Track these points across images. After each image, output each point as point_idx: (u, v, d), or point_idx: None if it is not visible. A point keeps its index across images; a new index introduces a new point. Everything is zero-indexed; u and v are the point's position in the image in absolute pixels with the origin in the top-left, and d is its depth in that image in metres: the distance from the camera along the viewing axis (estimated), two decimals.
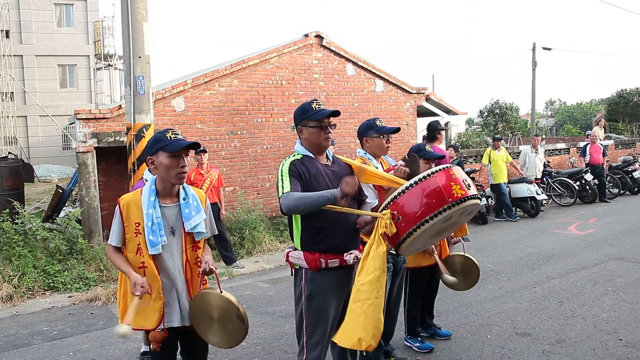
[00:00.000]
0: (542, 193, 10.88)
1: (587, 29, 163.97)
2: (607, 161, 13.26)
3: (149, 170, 2.71)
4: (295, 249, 2.85)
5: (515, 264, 6.87)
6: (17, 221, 7.00)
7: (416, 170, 3.10)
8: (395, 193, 2.55)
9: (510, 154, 10.78)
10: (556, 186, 12.06)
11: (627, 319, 4.68)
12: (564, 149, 15.65)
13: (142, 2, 5.60)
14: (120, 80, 25.06)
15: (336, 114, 2.82)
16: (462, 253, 4.29)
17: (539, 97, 80.00)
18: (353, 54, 10.57)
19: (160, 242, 2.59)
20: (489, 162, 10.35)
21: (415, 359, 4.05)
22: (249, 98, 9.34)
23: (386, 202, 2.58)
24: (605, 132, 19.25)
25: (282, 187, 2.66)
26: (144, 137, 5.59)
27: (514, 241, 8.37)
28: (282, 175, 2.71)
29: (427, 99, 12.28)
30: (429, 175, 2.53)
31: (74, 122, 8.08)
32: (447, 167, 2.58)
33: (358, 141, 3.68)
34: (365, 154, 3.56)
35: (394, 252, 2.91)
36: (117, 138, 7.88)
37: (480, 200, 2.69)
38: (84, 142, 7.74)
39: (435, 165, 3.11)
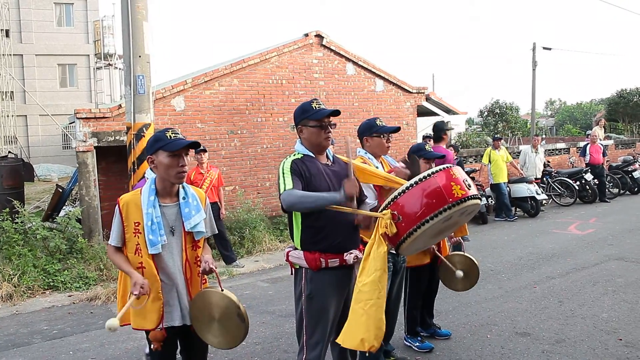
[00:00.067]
0: (542, 193, 10.88)
1: (587, 29, 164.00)
2: (607, 161, 13.26)
3: (151, 169, 2.71)
4: (295, 249, 2.84)
5: (515, 263, 6.87)
6: (17, 220, 7.00)
7: (417, 172, 3.10)
8: (396, 193, 2.55)
9: (510, 154, 10.78)
10: (556, 186, 12.06)
11: (627, 318, 4.68)
12: (564, 148, 15.66)
13: (142, 1, 5.60)
14: (120, 80, 25.07)
15: (336, 113, 2.82)
16: (462, 253, 4.29)
17: (539, 97, 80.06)
18: (353, 54, 10.57)
19: (160, 241, 2.59)
20: (489, 161, 10.35)
21: (415, 359, 4.05)
22: (249, 97, 9.34)
23: (386, 202, 2.58)
24: (605, 132, 19.25)
25: (284, 184, 2.66)
26: (144, 136, 5.59)
27: (513, 241, 8.37)
28: (283, 173, 2.71)
29: (427, 99, 12.28)
30: (429, 175, 2.53)
31: (74, 122, 8.09)
32: (447, 167, 2.58)
33: (358, 141, 3.68)
34: (365, 153, 3.56)
35: (393, 252, 2.91)
36: (117, 137, 7.87)
37: (481, 200, 2.69)
38: (84, 141, 7.74)
39: (436, 165, 3.11)
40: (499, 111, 32.38)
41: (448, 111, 13.47)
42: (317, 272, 2.76)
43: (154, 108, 6.37)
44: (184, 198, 2.70)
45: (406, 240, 2.50)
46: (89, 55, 27.64)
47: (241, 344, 2.69)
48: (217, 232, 2.94)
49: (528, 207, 10.63)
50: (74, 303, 6.03)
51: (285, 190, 2.63)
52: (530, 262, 6.89)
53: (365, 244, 2.69)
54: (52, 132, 26.44)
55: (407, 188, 2.52)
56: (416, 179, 2.54)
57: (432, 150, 4.16)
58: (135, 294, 2.52)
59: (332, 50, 10.28)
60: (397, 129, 3.55)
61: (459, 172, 2.57)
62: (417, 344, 4.19)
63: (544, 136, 31.99)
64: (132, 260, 2.63)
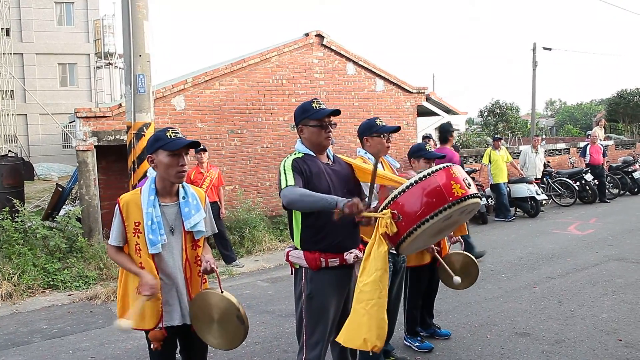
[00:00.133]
0: (542, 193, 10.88)
1: (588, 29, 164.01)
2: (607, 161, 13.26)
3: (152, 168, 2.71)
4: (295, 248, 2.84)
5: (515, 263, 6.87)
6: (17, 219, 7.00)
7: None
8: (396, 192, 2.55)
9: (510, 154, 10.78)
10: (556, 186, 12.05)
11: (626, 319, 4.68)
12: (564, 149, 15.65)
13: (142, 0, 5.60)
14: (121, 79, 25.06)
15: (337, 113, 2.81)
16: (462, 252, 4.29)
17: (539, 97, 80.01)
18: (353, 54, 10.57)
19: (160, 241, 2.59)
20: (489, 162, 10.34)
21: (415, 359, 4.05)
22: (249, 97, 9.34)
23: (386, 201, 2.58)
24: (605, 132, 19.24)
25: (286, 181, 2.66)
26: (144, 135, 5.59)
27: (513, 241, 8.37)
28: (284, 170, 2.71)
29: (428, 99, 12.27)
30: (429, 174, 2.52)
31: (74, 121, 8.09)
32: (447, 166, 2.57)
33: (358, 140, 3.68)
34: (365, 153, 3.56)
35: (393, 252, 2.91)
36: (117, 137, 7.88)
37: (481, 199, 2.68)
38: (84, 140, 7.74)
39: (436, 165, 3.10)
40: (499, 111, 32.39)
41: (448, 111, 13.46)
42: (317, 272, 2.76)
43: (154, 107, 6.37)
44: (183, 197, 2.70)
45: (406, 239, 2.50)
46: (89, 54, 27.66)
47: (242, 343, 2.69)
48: (217, 231, 2.94)
49: (528, 208, 10.63)
50: (73, 302, 6.04)
51: (286, 186, 2.63)
52: (530, 263, 6.89)
53: (365, 243, 2.68)
54: (52, 131, 26.45)
55: (407, 187, 2.52)
56: (416, 177, 2.53)
57: (432, 150, 4.16)
58: (146, 294, 2.53)
59: (332, 50, 10.28)
60: (397, 129, 3.55)
61: (458, 171, 2.57)
62: (417, 343, 4.19)
63: (544, 136, 31.96)
64: (132, 258, 2.63)
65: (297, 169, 2.72)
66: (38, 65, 27.00)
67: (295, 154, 2.85)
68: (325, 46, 10.17)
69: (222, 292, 2.60)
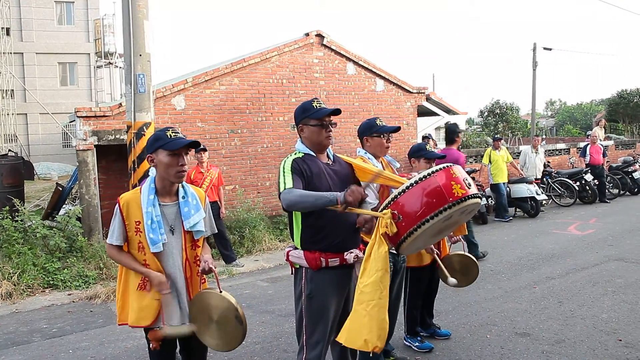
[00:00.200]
0: (542, 193, 10.88)
1: (588, 29, 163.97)
2: (607, 162, 13.26)
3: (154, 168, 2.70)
4: (296, 248, 2.84)
5: (515, 264, 6.87)
6: (17, 219, 7.00)
7: None
8: (396, 192, 2.55)
9: (510, 154, 10.77)
10: (556, 186, 12.05)
11: (626, 319, 4.68)
12: (564, 149, 15.65)
13: (143, 0, 5.60)
14: (121, 79, 25.05)
15: (337, 112, 2.81)
16: (462, 252, 4.29)
17: (539, 97, 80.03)
18: (354, 53, 10.57)
19: (161, 240, 2.59)
20: (489, 162, 10.34)
21: (415, 359, 4.05)
22: (250, 97, 9.34)
23: (387, 201, 2.58)
24: (605, 132, 19.24)
25: (284, 183, 2.66)
26: (145, 135, 5.58)
27: (513, 241, 8.37)
28: (284, 172, 2.70)
29: (428, 99, 12.27)
30: (429, 174, 2.52)
31: (74, 120, 8.09)
32: (447, 166, 2.57)
33: (358, 140, 3.68)
34: (365, 153, 3.56)
35: (393, 252, 2.91)
36: (118, 136, 7.88)
37: (481, 199, 2.68)
38: (84, 140, 7.74)
39: (436, 165, 3.10)
40: (499, 111, 32.40)
41: (448, 111, 13.47)
42: (317, 272, 2.76)
43: (155, 107, 6.36)
44: (183, 197, 2.70)
45: (406, 239, 2.50)
46: (89, 53, 27.66)
47: (241, 343, 2.69)
48: (216, 231, 2.94)
49: (528, 208, 10.62)
50: (73, 302, 6.03)
51: (285, 188, 2.63)
52: (530, 263, 6.89)
53: (365, 243, 2.68)
54: (52, 130, 26.45)
55: (407, 187, 2.52)
56: (416, 178, 2.53)
57: (432, 150, 4.16)
58: (165, 293, 2.57)
59: (332, 49, 10.28)
60: (397, 129, 3.55)
61: (459, 171, 2.56)
62: (417, 343, 4.19)
63: (544, 136, 31.95)
64: (135, 257, 2.63)
65: (296, 170, 2.71)
66: (38, 64, 27.00)
67: (295, 153, 2.85)
68: (325, 46, 10.17)
69: (220, 292, 2.60)
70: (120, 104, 7.86)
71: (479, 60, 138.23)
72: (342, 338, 2.55)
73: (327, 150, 2.94)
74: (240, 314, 2.54)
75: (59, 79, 27.72)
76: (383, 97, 11.13)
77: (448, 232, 3.40)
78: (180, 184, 2.71)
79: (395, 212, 2.49)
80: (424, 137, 10.53)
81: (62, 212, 9.65)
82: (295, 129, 2.95)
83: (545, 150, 14.04)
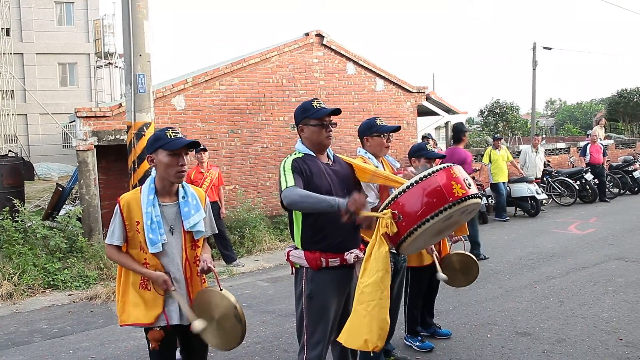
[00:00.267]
0: (542, 192, 10.88)
1: (588, 29, 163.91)
2: (607, 161, 13.25)
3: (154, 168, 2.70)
4: (296, 248, 2.84)
5: (516, 263, 6.87)
6: (17, 219, 7.01)
7: None
8: (396, 192, 2.54)
9: (510, 153, 10.77)
10: (556, 186, 12.05)
11: (627, 318, 4.68)
12: (564, 148, 15.64)
13: (142, 0, 5.60)
14: (121, 79, 25.06)
15: (337, 112, 2.81)
16: (462, 251, 4.29)
17: (539, 97, 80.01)
18: (353, 53, 10.57)
19: (160, 240, 2.59)
20: (490, 161, 10.34)
21: (416, 358, 4.05)
22: (250, 97, 9.34)
23: (387, 201, 2.57)
24: (605, 131, 19.23)
25: (286, 182, 2.65)
26: (145, 135, 5.58)
27: (514, 241, 8.36)
28: (284, 171, 2.70)
29: (428, 98, 12.27)
30: (429, 174, 2.52)
31: (74, 120, 8.09)
32: (447, 166, 2.57)
33: (358, 140, 3.68)
34: (365, 153, 3.56)
35: (394, 251, 2.91)
36: (118, 136, 7.88)
37: (481, 199, 2.68)
38: (84, 140, 7.74)
39: (436, 165, 3.10)
40: (499, 111, 32.37)
41: (448, 111, 13.46)
42: (318, 272, 2.76)
43: (155, 107, 6.36)
44: (183, 197, 2.70)
45: (407, 239, 2.50)
46: (89, 54, 27.66)
47: (242, 343, 2.69)
48: (217, 231, 2.93)
49: (528, 207, 10.62)
50: (74, 302, 6.04)
51: (287, 187, 2.63)
52: (530, 262, 6.89)
53: (366, 243, 2.68)
54: (52, 130, 26.45)
55: (408, 187, 2.51)
56: (416, 177, 2.53)
57: (432, 149, 4.15)
58: (173, 290, 2.58)
59: (332, 49, 10.27)
60: (398, 129, 3.55)
61: (459, 171, 2.56)
62: (418, 343, 4.19)
63: (544, 136, 32.00)
64: (136, 257, 2.63)
65: (297, 170, 2.71)
66: (38, 65, 27.00)
67: (295, 153, 2.85)
68: (325, 46, 10.17)
69: (221, 289, 2.60)
70: (120, 104, 7.86)
71: (479, 59, 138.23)
72: (342, 338, 2.55)
73: (327, 150, 2.94)
74: (239, 313, 2.54)
75: (59, 80, 27.72)
76: (383, 97, 11.13)
77: (449, 232, 3.40)
78: (180, 184, 2.71)
79: (396, 212, 2.49)
80: (423, 137, 10.53)
81: (62, 212, 9.66)
82: (296, 129, 2.95)
83: (546, 150, 14.04)
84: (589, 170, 12.12)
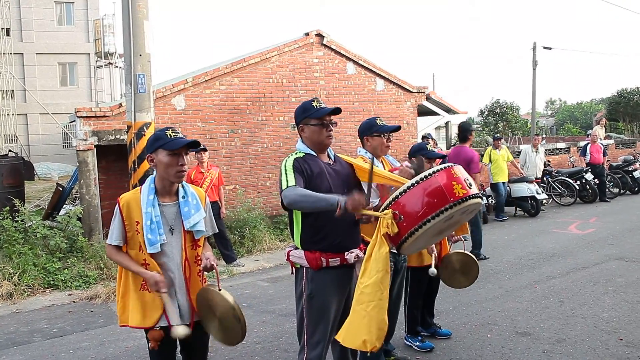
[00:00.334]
0: (543, 192, 10.88)
1: (588, 29, 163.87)
2: (607, 161, 13.25)
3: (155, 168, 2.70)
4: (296, 248, 2.84)
5: (516, 263, 6.87)
6: (17, 219, 7.00)
7: (421, 172, 3.09)
8: (397, 192, 2.54)
9: (511, 153, 10.77)
10: (556, 185, 12.05)
11: (627, 318, 4.68)
12: (564, 148, 15.64)
13: (142, 0, 5.59)
14: (121, 79, 25.07)
15: (337, 111, 2.81)
16: (462, 251, 4.29)
17: (540, 97, 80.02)
18: (353, 53, 10.56)
19: (159, 240, 2.58)
20: (490, 161, 10.34)
21: (416, 358, 4.05)
22: (250, 97, 9.34)
23: (388, 201, 2.57)
24: (605, 131, 19.22)
25: (287, 181, 2.65)
26: (145, 135, 5.58)
27: (514, 240, 8.36)
28: (285, 170, 2.70)
29: (428, 98, 12.27)
30: (430, 174, 2.51)
31: (74, 120, 8.09)
32: (448, 166, 2.57)
33: (358, 140, 3.68)
34: (366, 153, 3.56)
35: (394, 251, 2.91)
36: (118, 136, 7.88)
37: (482, 199, 2.68)
38: (85, 140, 7.74)
39: (437, 165, 3.10)
40: (499, 111, 32.36)
41: (448, 110, 13.48)
42: (318, 272, 2.76)
43: (155, 107, 6.36)
44: (183, 197, 2.69)
45: (408, 239, 2.49)
46: (89, 54, 27.66)
47: (241, 343, 2.69)
48: (217, 231, 2.93)
49: (528, 207, 10.62)
50: (74, 302, 6.03)
51: (288, 186, 2.63)
52: (530, 262, 6.89)
53: (366, 243, 2.68)
54: (52, 130, 26.46)
55: (409, 187, 2.51)
56: (417, 178, 2.53)
57: (434, 149, 4.15)
58: (164, 292, 2.55)
59: (332, 49, 10.27)
60: (398, 128, 3.55)
61: (460, 171, 2.56)
62: (418, 343, 4.19)
63: (544, 136, 31.98)
64: (135, 257, 2.63)
65: (297, 169, 2.71)
66: (38, 65, 27.00)
67: (296, 153, 2.85)
68: (325, 46, 10.16)
69: (219, 289, 2.59)
70: (120, 104, 7.86)
71: (479, 59, 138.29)
72: (341, 337, 2.55)
73: (328, 150, 2.94)
74: (237, 312, 2.54)
75: (59, 79, 27.72)
76: (383, 97, 11.12)
77: (449, 232, 3.40)
78: (180, 184, 2.71)
79: (397, 212, 2.49)
80: (423, 137, 10.53)
81: (62, 212, 9.66)
82: (296, 128, 2.95)
83: (546, 150, 14.04)
84: (589, 170, 12.12)
